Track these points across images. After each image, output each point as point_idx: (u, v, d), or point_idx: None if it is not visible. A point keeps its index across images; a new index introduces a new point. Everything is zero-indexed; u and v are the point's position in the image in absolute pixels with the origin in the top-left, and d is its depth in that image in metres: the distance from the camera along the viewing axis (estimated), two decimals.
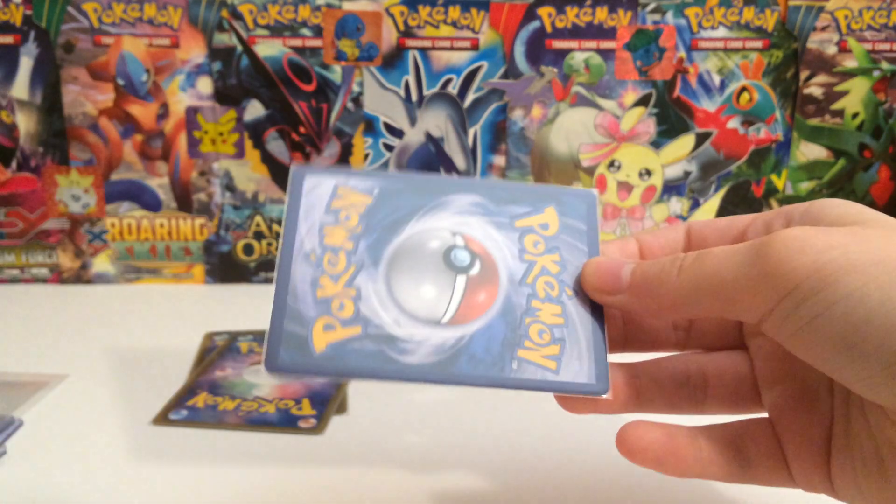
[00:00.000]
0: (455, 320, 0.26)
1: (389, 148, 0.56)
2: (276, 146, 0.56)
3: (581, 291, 0.28)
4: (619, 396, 0.28)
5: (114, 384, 0.43)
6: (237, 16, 0.53)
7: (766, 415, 0.29)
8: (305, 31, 0.54)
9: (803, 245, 0.23)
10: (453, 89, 0.55)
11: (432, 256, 0.27)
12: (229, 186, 0.56)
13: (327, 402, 0.38)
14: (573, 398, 0.27)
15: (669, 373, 0.30)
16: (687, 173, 0.57)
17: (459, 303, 0.26)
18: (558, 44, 0.54)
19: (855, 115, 0.56)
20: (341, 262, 0.26)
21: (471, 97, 0.55)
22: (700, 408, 0.30)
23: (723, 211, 0.58)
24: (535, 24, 0.54)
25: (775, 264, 0.23)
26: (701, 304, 0.25)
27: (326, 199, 0.27)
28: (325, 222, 0.27)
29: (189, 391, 0.41)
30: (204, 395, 0.40)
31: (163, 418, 0.38)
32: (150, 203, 0.57)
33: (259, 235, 0.57)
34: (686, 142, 0.57)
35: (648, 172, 0.57)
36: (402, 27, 0.54)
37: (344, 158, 0.56)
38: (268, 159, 0.56)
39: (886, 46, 0.55)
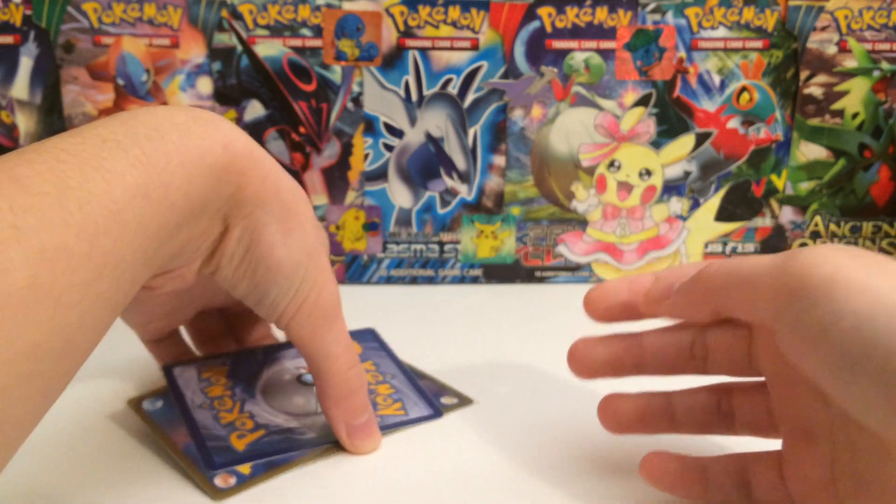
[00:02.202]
0: None
1: (389, 148, 0.56)
2: (276, 146, 0.56)
3: (398, 374, 0.42)
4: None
5: (114, 383, 0.42)
6: (237, 16, 0.53)
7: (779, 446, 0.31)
8: (305, 31, 0.54)
9: (825, 258, 0.25)
10: (453, 89, 0.55)
11: (290, 382, 0.40)
12: None
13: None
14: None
15: (702, 399, 0.33)
16: (687, 173, 0.57)
17: None
18: (558, 44, 0.54)
19: (855, 115, 0.56)
20: (228, 402, 0.38)
21: (471, 97, 0.55)
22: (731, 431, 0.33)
23: (723, 211, 0.58)
24: (535, 24, 0.54)
25: (797, 266, 0.25)
26: (729, 299, 0.29)
27: (196, 374, 0.39)
28: (203, 386, 0.38)
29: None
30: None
31: (136, 405, 0.39)
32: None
33: None
34: (686, 142, 0.57)
35: (648, 172, 0.57)
36: (402, 27, 0.54)
37: (344, 158, 0.56)
38: None
39: (886, 46, 0.55)
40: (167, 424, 0.36)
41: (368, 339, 0.46)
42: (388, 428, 0.38)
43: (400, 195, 0.57)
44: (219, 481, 0.33)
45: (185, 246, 0.30)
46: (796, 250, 0.26)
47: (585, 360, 0.34)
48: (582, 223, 0.58)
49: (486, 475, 0.35)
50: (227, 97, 0.55)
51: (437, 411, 0.39)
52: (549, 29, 0.54)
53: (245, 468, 0.34)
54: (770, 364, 0.31)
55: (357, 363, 0.35)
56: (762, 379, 0.32)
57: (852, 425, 0.27)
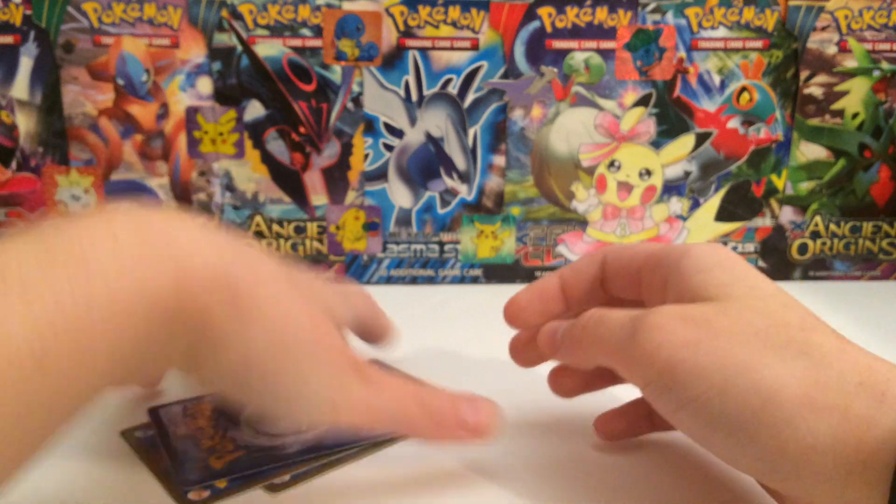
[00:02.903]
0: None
1: (389, 148, 0.56)
2: (276, 146, 0.56)
3: None
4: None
5: None
6: (237, 16, 0.53)
7: None
8: (305, 31, 0.54)
9: (662, 339, 0.27)
10: (453, 89, 0.55)
11: None
12: (229, 186, 0.56)
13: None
14: None
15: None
16: (687, 173, 0.57)
17: None
18: (558, 44, 0.54)
19: (855, 115, 0.56)
20: (210, 430, 0.37)
21: (471, 97, 0.55)
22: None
23: (723, 211, 0.58)
24: (535, 24, 0.54)
25: (640, 354, 0.27)
26: (598, 360, 0.31)
27: (181, 412, 0.39)
28: (187, 420, 0.38)
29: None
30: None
31: (129, 435, 0.38)
32: (150, 203, 0.57)
33: (259, 235, 0.57)
34: (686, 142, 0.57)
35: (648, 172, 0.57)
36: (402, 27, 0.54)
37: (344, 158, 0.56)
38: (268, 159, 0.56)
39: (886, 46, 0.55)
40: (153, 451, 0.36)
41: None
42: (379, 445, 0.37)
43: (400, 195, 0.57)
44: (193, 496, 0.33)
45: (128, 378, 0.26)
46: (636, 323, 0.28)
47: (523, 356, 0.37)
48: (582, 223, 0.58)
49: (485, 475, 0.35)
50: (227, 97, 0.55)
51: None
52: (549, 29, 0.54)
53: (221, 482, 0.33)
54: None
55: (401, 398, 0.31)
56: None
57: None
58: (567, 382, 0.37)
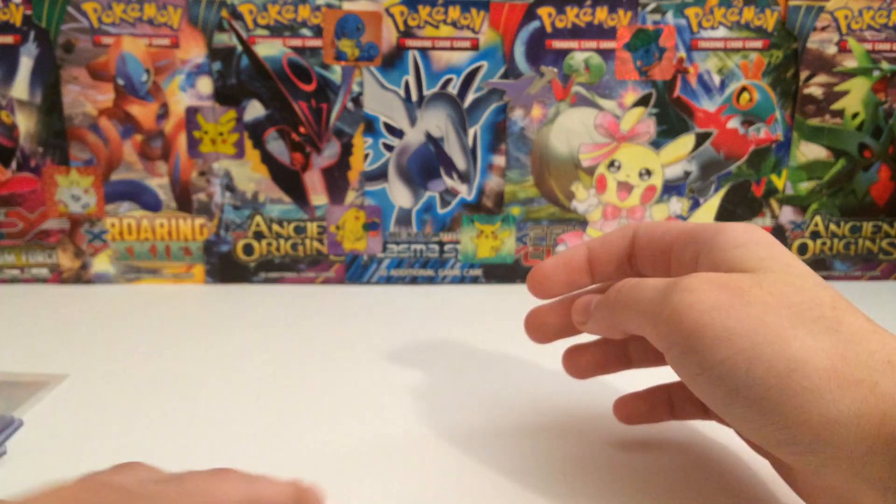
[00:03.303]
0: None
1: (389, 148, 0.56)
2: (276, 146, 0.56)
3: None
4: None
5: (114, 384, 0.43)
6: (237, 16, 0.53)
7: None
8: (305, 31, 0.54)
9: (693, 301, 0.27)
10: (453, 89, 0.55)
11: None
12: (229, 186, 0.56)
13: None
14: None
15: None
16: (687, 173, 0.57)
17: None
18: (558, 44, 0.54)
19: (855, 115, 0.56)
20: None
21: (471, 97, 0.55)
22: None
23: (723, 211, 0.58)
24: (535, 24, 0.54)
25: (669, 314, 0.27)
26: (629, 325, 0.30)
27: None
28: None
29: None
30: None
31: None
32: (150, 203, 0.57)
33: (259, 235, 0.57)
34: (686, 142, 0.57)
35: (648, 172, 0.57)
36: (402, 27, 0.54)
37: (344, 158, 0.56)
38: (268, 159, 0.56)
39: (886, 46, 0.55)
40: None
41: None
42: None
43: (400, 195, 0.57)
44: None
45: None
46: (669, 285, 0.28)
47: (541, 328, 0.37)
48: (582, 223, 0.58)
49: (485, 476, 0.35)
50: (227, 97, 0.55)
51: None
52: (549, 29, 0.54)
53: None
54: None
55: None
56: None
57: None
58: (582, 361, 0.36)
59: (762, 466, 0.33)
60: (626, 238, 0.35)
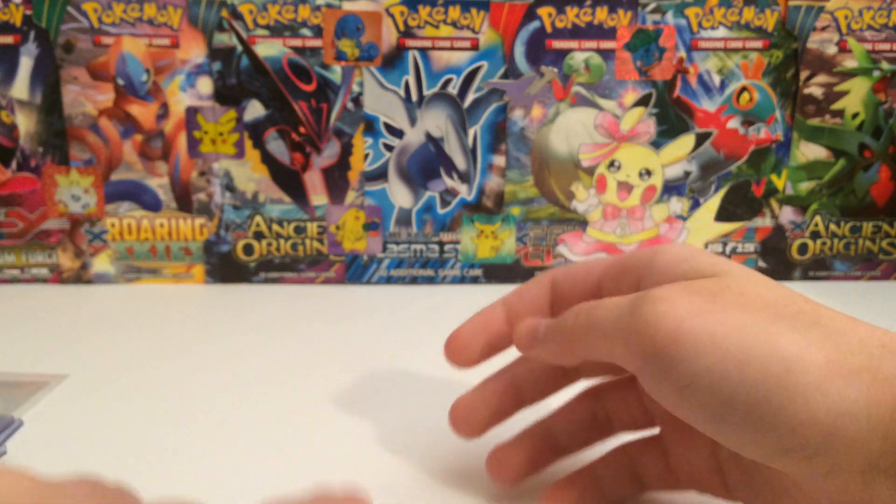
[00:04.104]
0: None
1: (389, 148, 0.56)
2: (276, 146, 0.56)
3: None
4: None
5: (114, 384, 0.43)
6: (237, 16, 0.53)
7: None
8: (305, 31, 0.54)
9: (667, 309, 0.25)
10: (453, 89, 0.55)
11: None
12: (229, 186, 0.56)
13: None
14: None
15: (579, 420, 0.33)
16: (687, 173, 0.57)
17: None
18: (558, 44, 0.54)
19: (855, 115, 0.56)
20: None
21: (471, 97, 0.55)
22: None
23: (723, 211, 0.58)
24: (535, 24, 0.54)
25: (642, 325, 0.25)
26: (590, 348, 0.28)
27: None
28: None
29: None
30: None
31: None
32: (150, 203, 0.57)
33: (259, 235, 0.57)
34: (686, 142, 0.57)
35: (648, 172, 0.57)
36: (402, 27, 0.54)
37: (344, 158, 0.56)
38: (268, 159, 0.56)
39: (886, 46, 0.55)
40: None
41: None
42: None
43: (400, 195, 0.57)
44: None
45: None
46: (637, 297, 0.26)
47: (469, 421, 0.34)
48: (582, 223, 0.58)
49: (485, 476, 0.35)
50: (227, 97, 0.55)
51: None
52: (549, 29, 0.54)
53: None
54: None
55: None
56: (630, 375, 0.32)
57: None
58: (513, 459, 0.33)
59: None
60: (543, 287, 0.33)
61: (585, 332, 0.28)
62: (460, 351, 0.33)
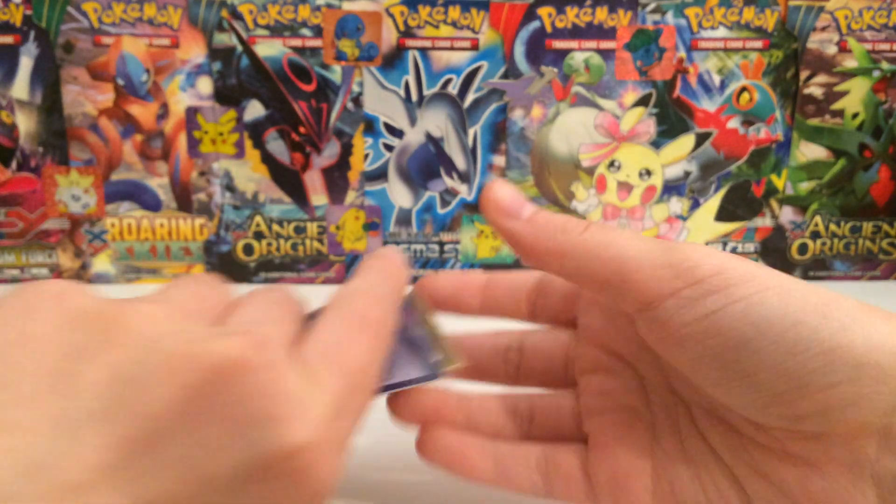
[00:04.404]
0: None
1: (389, 148, 0.56)
2: (276, 146, 0.56)
3: None
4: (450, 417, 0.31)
5: None
6: (237, 16, 0.53)
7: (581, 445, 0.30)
8: (305, 31, 0.54)
9: (708, 251, 0.25)
10: (453, 89, 0.55)
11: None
12: (229, 186, 0.56)
13: None
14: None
15: (500, 402, 0.32)
16: (687, 173, 0.57)
17: None
18: (558, 44, 0.54)
19: (855, 115, 0.56)
20: None
21: (471, 97, 0.55)
22: (525, 435, 0.31)
23: (723, 211, 0.58)
24: (535, 24, 0.54)
25: (683, 257, 0.24)
26: (593, 269, 0.26)
27: None
28: None
29: None
30: None
31: None
32: (150, 203, 0.57)
33: (259, 235, 0.57)
34: (686, 142, 0.57)
35: (648, 172, 0.57)
36: (402, 27, 0.54)
37: (344, 158, 0.56)
38: (268, 159, 0.56)
39: (886, 46, 0.55)
40: None
41: None
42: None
43: (400, 195, 0.57)
44: None
45: None
46: (675, 242, 0.25)
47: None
48: None
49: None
50: (227, 97, 0.55)
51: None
52: (549, 29, 0.54)
53: None
54: (588, 374, 0.30)
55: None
56: (567, 384, 0.32)
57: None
58: (417, 398, 0.31)
59: None
60: (533, 277, 0.32)
61: (596, 249, 0.26)
62: (426, 286, 0.32)
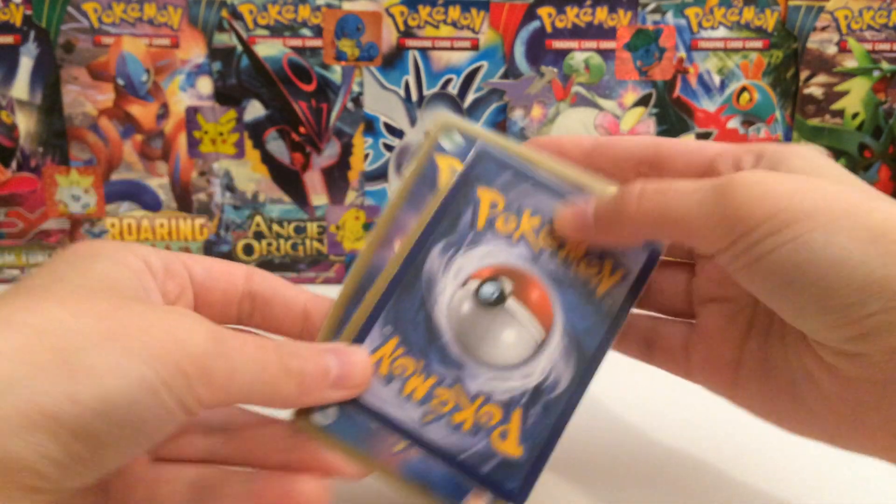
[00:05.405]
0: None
1: (389, 148, 0.56)
2: (276, 146, 0.56)
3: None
4: None
5: None
6: (237, 16, 0.53)
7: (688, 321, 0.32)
8: (305, 31, 0.54)
9: (764, 191, 0.25)
10: (453, 89, 0.55)
11: (475, 312, 0.27)
12: (229, 186, 0.56)
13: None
14: None
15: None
16: None
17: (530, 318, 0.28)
18: (558, 44, 0.54)
19: (855, 115, 0.56)
20: (419, 381, 0.27)
21: (471, 97, 0.55)
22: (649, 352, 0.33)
23: None
24: (535, 24, 0.54)
25: (735, 208, 0.25)
26: (659, 233, 0.28)
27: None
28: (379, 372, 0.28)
29: None
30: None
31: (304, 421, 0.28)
32: (150, 203, 0.57)
33: (259, 235, 0.57)
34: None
35: None
36: (402, 27, 0.54)
37: (344, 158, 0.56)
38: (268, 159, 0.56)
39: (886, 46, 0.55)
40: (359, 441, 0.26)
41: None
42: None
43: None
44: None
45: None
46: (726, 182, 0.26)
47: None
48: None
49: None
50: (227, 97, 0.55)
51: None
52: (549, 29, 0.54)
53: None
54: (706, 262, 0.32)
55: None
56: (677, 262, 0.33)
57: (774, 314, 0.28)
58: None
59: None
60: (642, 144, 0.31)
61: (655, 220, 0.27)
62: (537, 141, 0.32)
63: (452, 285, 0.27)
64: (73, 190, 0.56)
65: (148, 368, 0.22)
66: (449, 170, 0.28)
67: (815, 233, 0.24)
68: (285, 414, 0.28)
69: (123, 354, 0.22)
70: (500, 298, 0.27)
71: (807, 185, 0.25)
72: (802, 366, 0.27)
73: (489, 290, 0.28)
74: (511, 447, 0.25)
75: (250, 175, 0.56)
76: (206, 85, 0.55)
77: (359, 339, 0.27)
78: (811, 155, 0.28)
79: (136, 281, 0.26)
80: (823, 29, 0.55)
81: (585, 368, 0.27)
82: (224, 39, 0.54)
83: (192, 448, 0.29)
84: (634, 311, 0.30)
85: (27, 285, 0.24)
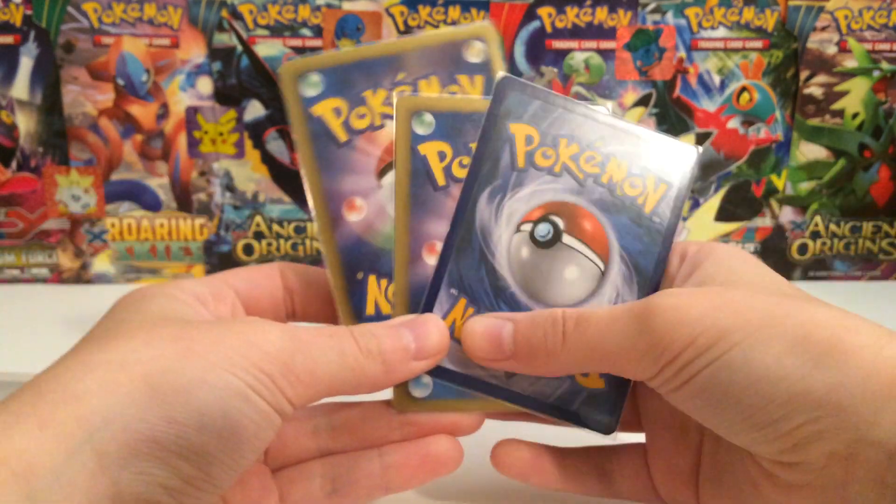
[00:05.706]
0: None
1: None
2: (276, 146, 0.56)
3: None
4: None
5: None
6: (237, 16, 0.53)
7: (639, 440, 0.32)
8: (305, 31, 0.54)
9: (680, 318, 0.25)
10: None
11: (531, 256, 0.28)
12: (229, 186, 0.56)
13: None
14: None
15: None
16: None
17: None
18: (558, 44, 0.54)
19: (855, 115, 0.56)
20: None
21: None
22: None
23: (723, 211, 0.58)
24: (535, 24, 0.54)
25: (658, 338, 0.25)
26: (587, 368, 0.28)
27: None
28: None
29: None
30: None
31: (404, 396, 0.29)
32: (150, 203, 0.57)
33: (259, 235, 0.57)
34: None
35: None
36: (402, 27, 0.54)
37: None
38: (268, 159, 0.56)
39: (886, 46, 0.55)
40: (463, 393, 0.28)
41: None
42: None
43: None
44: None
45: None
46: (644, 311, 0.25)
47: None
48: None
49: (488, 475, 0.35)
50: (227, 97, 0.55)
51: None
52: (549, 29, 0.54)
53: None
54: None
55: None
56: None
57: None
58: (519, 450, 0.31)
59: None
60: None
61: (582, 356, 0.27)
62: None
63: (507, 232, 0.28)
64: (73, 190, 0.56)
65: (231, 375, 0.23)
66: (437, 156, 0.28)
67: (733, 352, 0.24)
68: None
69: (205, 367, 0.23)
70: (557, 236, 0.28)
71: (720, 301, 0.25)
72: (747, 473, 0.27)
73: (543, 230, 0.28)
74: (593, 380, 0.27)
75: (250, 175, 0.56)
76: (206, 85, 0.55)
77: (427, 306, 0.28)
78: (726, 257, 0.28)
79: (191, 309, 0.27)
80: (823, 29, 0.55)
81: (647, 289, 0.28)
82: (224, 39, 0.54)
83: (305, 452, 0.30)
84: (583, 444, 0.30)
85: (91, 336, 0.25)
